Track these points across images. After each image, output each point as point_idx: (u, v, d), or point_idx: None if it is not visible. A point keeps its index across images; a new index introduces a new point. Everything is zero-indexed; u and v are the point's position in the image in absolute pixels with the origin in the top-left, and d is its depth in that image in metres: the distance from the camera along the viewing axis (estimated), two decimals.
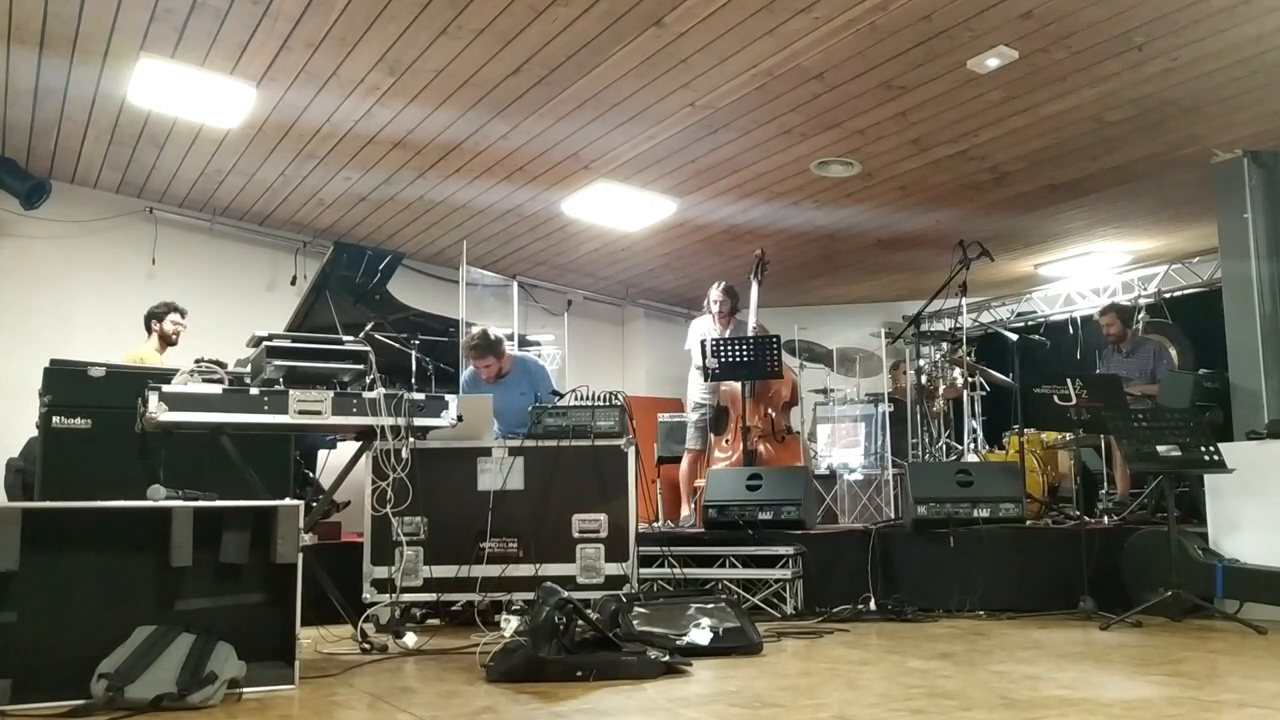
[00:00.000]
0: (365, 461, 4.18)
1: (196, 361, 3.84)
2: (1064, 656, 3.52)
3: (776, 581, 4.95)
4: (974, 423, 6.96)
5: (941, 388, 6.92)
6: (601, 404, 4.61)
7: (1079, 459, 6.13)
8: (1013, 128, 5.76)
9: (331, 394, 3.76)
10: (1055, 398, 5.16)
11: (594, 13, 4.51)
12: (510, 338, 6.67)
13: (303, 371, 3.75)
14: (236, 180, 6.63)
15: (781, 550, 4.98)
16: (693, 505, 6.55)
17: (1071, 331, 8.97)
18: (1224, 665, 3.32)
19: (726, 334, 6.30)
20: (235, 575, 3.22)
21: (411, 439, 3.93)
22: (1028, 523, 5.23)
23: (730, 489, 5.44)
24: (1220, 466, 4.31)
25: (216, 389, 3.63)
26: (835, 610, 4.80)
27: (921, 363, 6.98)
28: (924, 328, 6.84)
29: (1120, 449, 5.16)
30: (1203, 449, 4.34)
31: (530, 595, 3.69)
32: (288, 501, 3.26)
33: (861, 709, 2.68)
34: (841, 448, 7.90)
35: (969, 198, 6.95)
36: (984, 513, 5.05)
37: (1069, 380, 5.16)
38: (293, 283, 7.51)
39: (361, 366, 3.84)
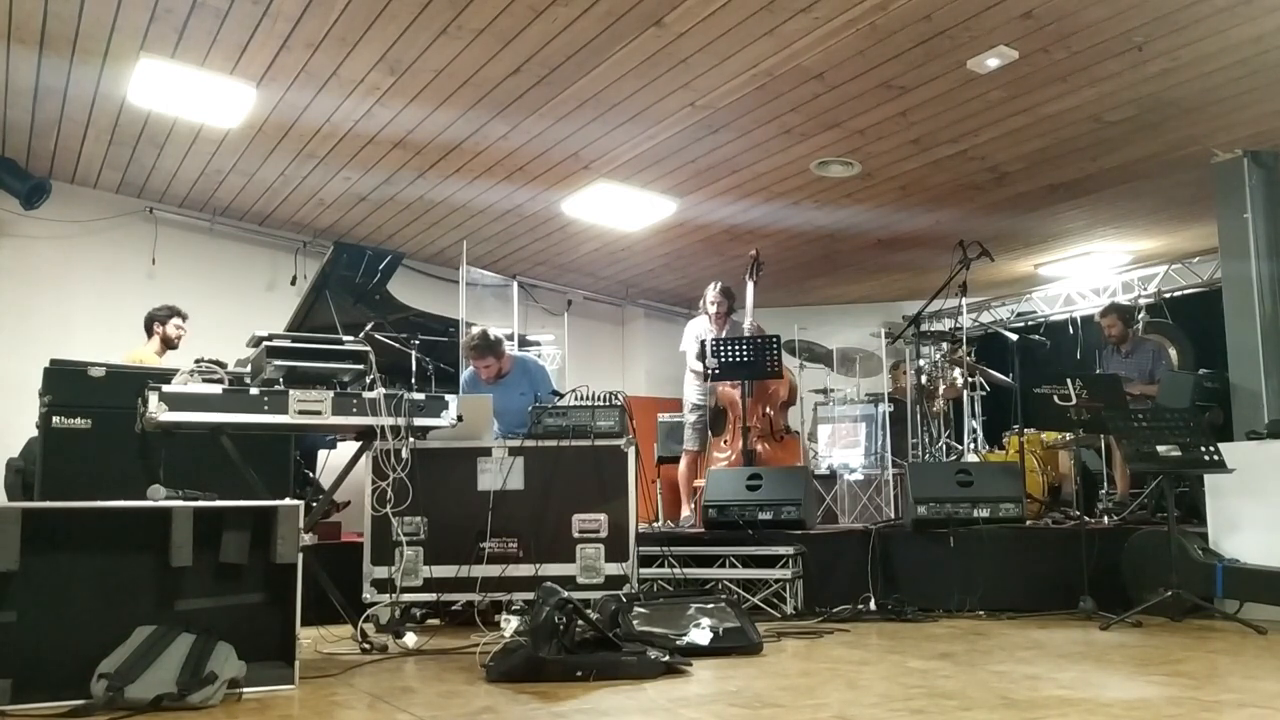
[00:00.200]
0: (365, 461, 4.18)
1: (196, 361, 3.84)
2: (1064, 656, 3.52)
3: (776, 581, 4.95)
4: (974, 423, 6.96)
5: (941, 388, 6.93)
6: (601, 404, 4.62)
7: (1079, 459, 6.13)
8: (1013, 128, 5.76)
9: (331, 394, 3.76)
10: (1055, 398, 5.16)
11: (594, 13, 4.51)
12: (510, 338, 6.67)
13: (303, 371, 3.75)
14: (236, 180, 6.63)
15: (781, 550, 4.98)
16: (693, 505, 6.55)
17: (1071, 331, 8.97)
18: (1224, 665, 3.32)
19: (722, 335, 6.31)
20: (235, 575, 3.22)
21: (411, 439, 3.93)
22: (1028, 523, 5.23)
23: (730, 489, 5.44)
24: (1220, 466, 4.31)
25: (216, 389, 3.63)
26: (835, 610, 4.80)
27: (921, 363, 6.98)
28: (924, 328, 6.84)
29: (1120, 449, 5.16)
30: (1203, 449, 4.34)
31: (530, 595, 3.69)
32: (288, 501, 3.27)
33: (861, 709, 2.68)
34: (841, 448, 7.90)
35: (969, 198, 6.95)
36: (984, 513, 5.05)
37: (1069, 380, 5.16)
38: (293, 283, 7.51)
39: (361, 366, 3.84)
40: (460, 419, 4.09)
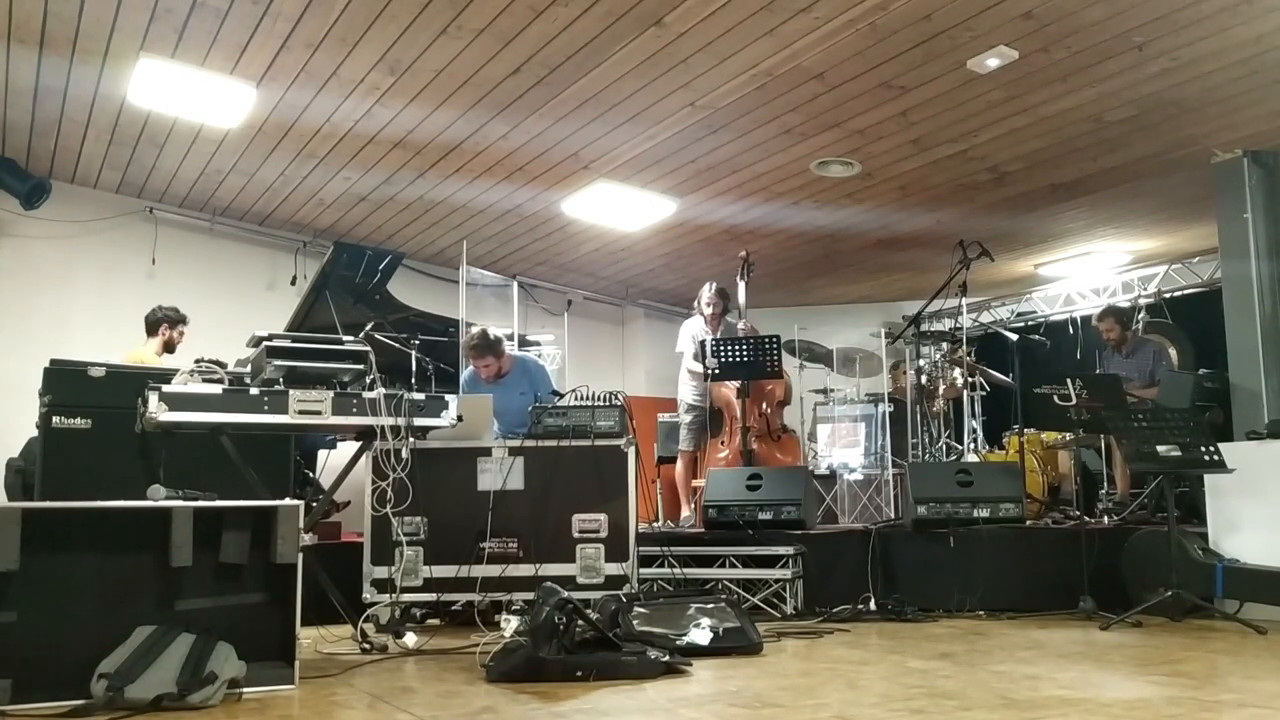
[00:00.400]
0: (365, 461, 4.18)
1: (196, 361, 3.83)
2: (1064, 656, 3.52)
3: (776, 581, 4.95)
4: (974, 423, 6.96)
5: (941, 388, 6.93)
6: (601, 404, 4.61)
7: (1079, 459, 6.13)
8: (1013, 128, 5.76)
9: (331, 394, 3.76)
10: (1055, 398, 5.16)
11: (594, 13, 4.51)
12: (510, 338, 6.67)
13: (303, 371, 3.75)
14: (236, 180, 6.63)
15: (781, 550, 4.98)
16: (692, 505, 6.55)
17: (1071, 331, 8.97)
18: (1224, 665, 3.32)
19: (717, 335, 6.31)
20: (235, 575, 3.22)
21: (411, 439, 3.93)
22: (1028, 523, 5.22)
23: (730, 489, 5.44)
24: (1220, 466, 4.31)
25: (216, 389, 3.63)
26: (835, 610, 4.80)
27: (921, 363, 6.98)
28: (924, 328, 6.84)
29: (1120, 449, 5.16)
30: (1203, 449, 4.34)
31: (530, 595, 3.69)
32: (288, 501, 3.27)
33: (861, 709, 2.68)
34: (841, 448, 7.90)
35: (969, 198, 6.95)
36: (984, 513, 5.05)
37: (1069, 380, 5.16)
38: (293, 283, 7.51)
39: (361, 366, 3.84)
40: (460, 419, 4.09)
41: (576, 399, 4.70)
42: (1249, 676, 3.10)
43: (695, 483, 6.63)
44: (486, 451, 4.50)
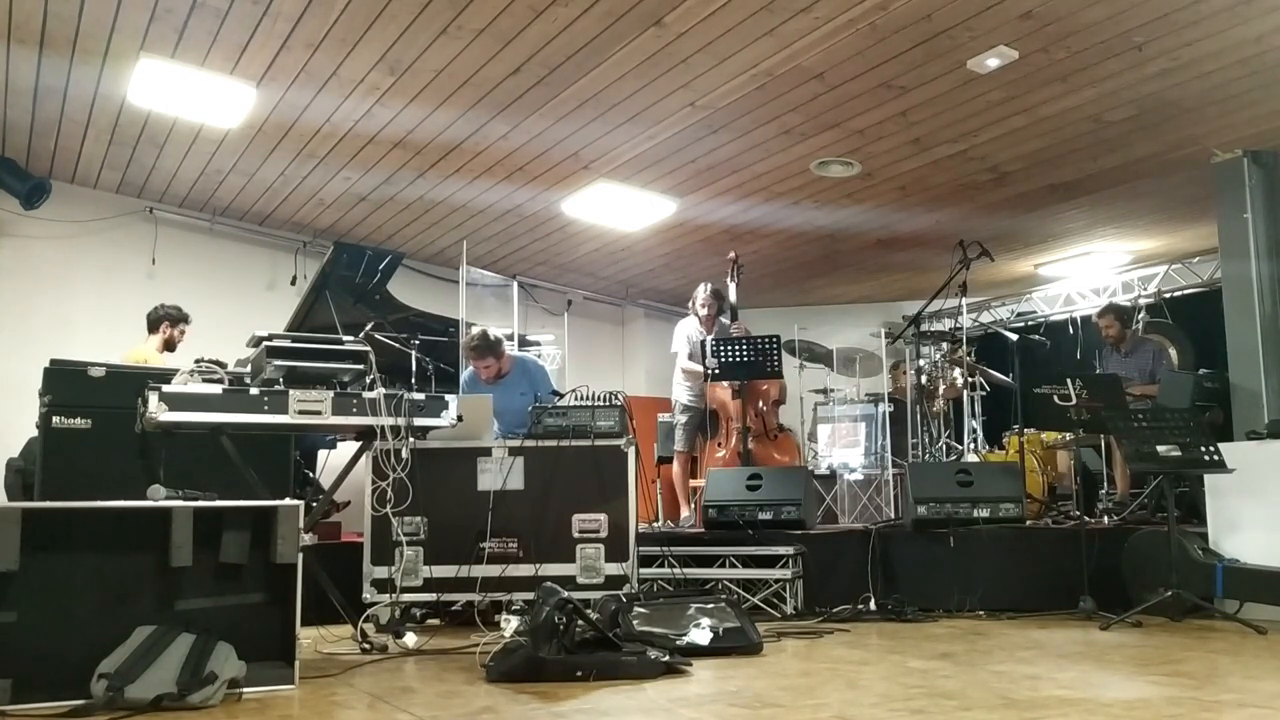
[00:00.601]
0: (365, 461, 4.18)
1: (196, 361, 3.84)
2: (1064, 656, 3.52)
3: (776, 581, 4.95)
4: (974, 423, 6.96)
5: (941, 388, 6.93)
6: (601, 404, 4.61)
7: (1079, 459, 6.13)
8: (1013, 128, 5.76)
9: (331, 394, 3.76)
10: (1055, 398, 5.16)
11: (594, 13, 4.50)
12: (510, 338, 6.67)
13: (303, 371, 3.75)
14: (236, 180, 6.63)
15: (781, 550, 4.98)
16: (692, 505, 6.55)
17: (1071, 331, 8.97)
18: (1224, 665, 3.32)
19: (711, 335, 6.32)
20: (235, 575, 3.22)
21: (411, 439, 3.93)
22: (1028, 523, 5.23)
23: (730, 489, 5.44)
24: (1220, 466, 4.31)
25: (216, 389, 3.63)
26: (835, 610, 4.80)
27: (921, 363, 6.98)
28: (924, 328, 6.84)
29: (1120, 449, 5.16)
30: (1203, 449, 4.34)
31: (530, 595, 3.69)
32: (288, 501, 3.27)
33: (861, 709, 2.68)
34: (841, 448, 7.91)
35: (969, 198, 6.95)
36: (984, 513, 5.05)
37: (1069, 380, 5.16)
38: (293, 283, 7.51)
39: (361, 366, 3.84)
40: (460, 419, 4.09)
41: (576, 399, 4.70)
42: (1249, 676, 3.10)
43: (694, 483, 6.63)
44: (486, 451, 4.50)
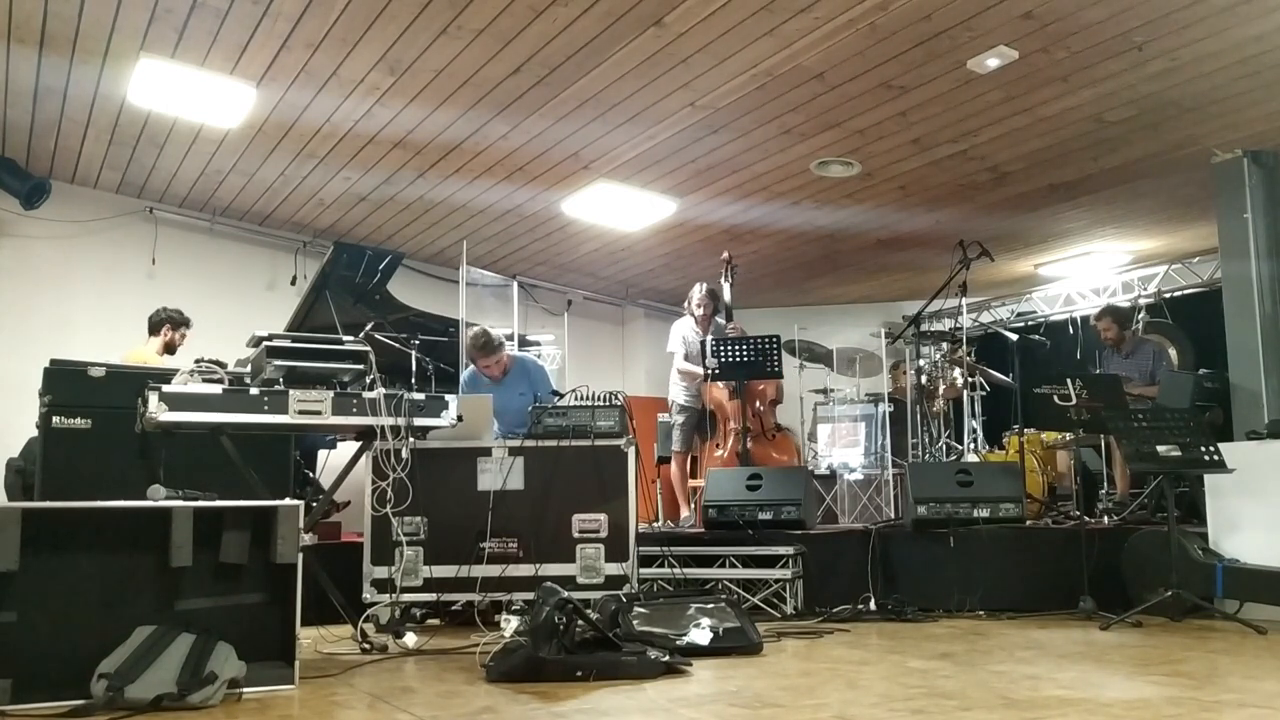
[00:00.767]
0: (365, 461, 4.18)
1: (196, 361, 3.84)
2: (1064, 656, 3.52)
3: (776, 581, 4.95)
4: (974, 423, 6.96)
5: (941, 388, 6.93)
6: (601, 404, 4.61)
7: (1079, 459, 6.13)
8: (1013, 128, 5.76)
9: (331, 394, 3.76)
10: (1055, 398, 5.16)
11: (594, 13, 4.51)
12: (510, 338, 6.67)
13: (303, 371, 3.75)
14: (236, 180, 6.63)
15: (781, 550, 4.98)
16: (692, 505, 6.55)
17: (1071, 331, 8.97)
18: (1224, 665, 3.32)
19: (707, 335, 6.32)
20: (235, 575, 3.22)
21: (411, 439, 3.93)
22: (1028, 523, 5.23)
23: (730, 489, 5.44)
24: (1220, 466, 4.31)
25: (216, 389, 3.63)
26: (835, 610, 4.80)
27: (921, 363, 6.98)
28: (924, 328, 6.84)
29: (1120, 449, 5.16)
30: (1203, 449, 4.34)
31: (530, 595, 3.69)
32: (288, 501, 3.26)
33: (861, 709, 2.68)
34: (841, 448, 7.91)
35: (969, 198, 6.95)
36: (984, 513, 5.05)
37: (1069, 380, 5.15)
38: (293, 283, 7.51)
39: (361, 366, 3.84)
40: (460, 419, 4.09)
41: (576, 399, 4.70)
42: (1249, 676, 3.10)
43: (694, 483, 6.63)
44: (486, 451, 4.50)
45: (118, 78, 5.15)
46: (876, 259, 8.47)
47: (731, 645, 3.73)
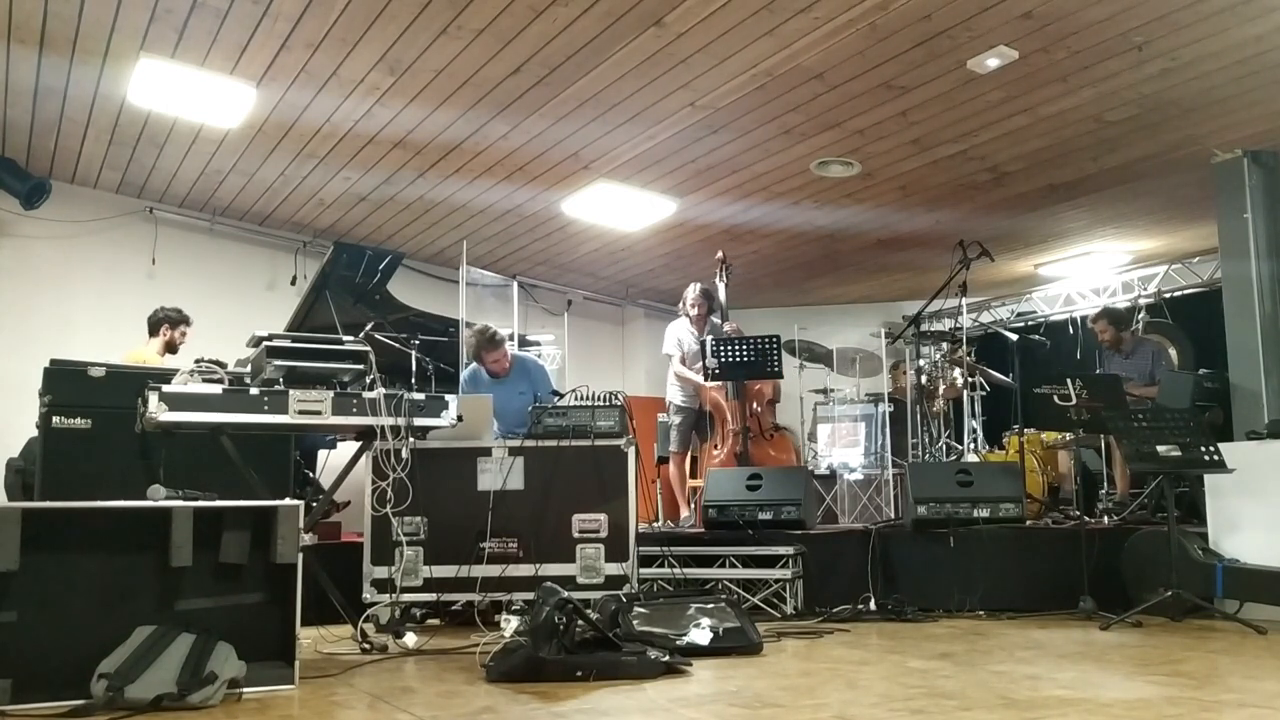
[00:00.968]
0: (365, 461, 4.18)
1: (196, 361, 3.84)
2: (1064, 656, 3.52)
3: (776, 581, 4.95)
4: (974, 423, 6.96)
5: (941, 388, 6.93)
6: (601, 404, 4.61)
7: (1079, 459, 6.13)
8: (1013, 128, 5.76)
9: (331, 394, 3.76)
10: (1055, 398, 5.16)
11: (594, 13, 4.51)
12: (510, 338, 6.67)
13: (303, 371, 3.75)
14: (236, 180, 6.63)
15: (781, 550, 4.98)
16: (692, 505, 6.55)
17: (1071, 331, 8.97)
18: (1224, 665, 3.32)
19: (703, 336, 6.32)
20: (235, 575, 3.22)
21: (411, 439, 3.93)
22: (1028, 523, 5.22)
23: (730, 489, 5.44)
24: (1220, 466, 4.31)
25: (216, 389, 3.63)
26: (835, 610, 4.80)
27: (921, 363, 6.98)
28: (924, 328, 6.84)
29: (1120, 449, 5.16)
30: (1203, 449, 4.34)
31: (530, 595, 3.69)
32: (288, 501, 3.26)
33: (861, 709, 2.68)
34: (841, 448, 7.91)
35: (969, 198, 6.95)
36: (984, 513, 5.05)
37: (1069, 380, 5.15)
38: (293, 283, 7.51)
39: (361, 366, 3.84)
40: (460, 419, 4.09)
41: (576, 399, 4.70)
42: (1249, 676, 3.10)
43: (693, 483, 6.63)
44: (486, 451, 4.50)
45: (118, 78, 5.15)
46: (876, 259, 8.47)
47: (731, 645, 3.73)
